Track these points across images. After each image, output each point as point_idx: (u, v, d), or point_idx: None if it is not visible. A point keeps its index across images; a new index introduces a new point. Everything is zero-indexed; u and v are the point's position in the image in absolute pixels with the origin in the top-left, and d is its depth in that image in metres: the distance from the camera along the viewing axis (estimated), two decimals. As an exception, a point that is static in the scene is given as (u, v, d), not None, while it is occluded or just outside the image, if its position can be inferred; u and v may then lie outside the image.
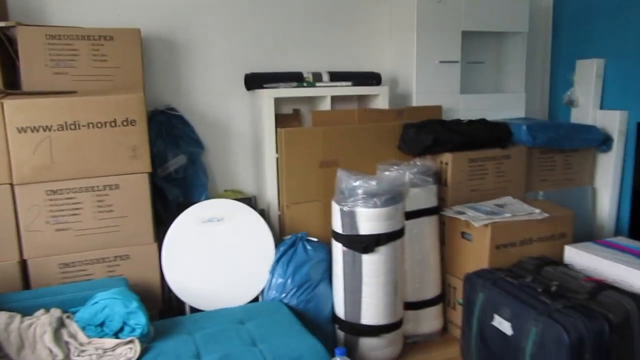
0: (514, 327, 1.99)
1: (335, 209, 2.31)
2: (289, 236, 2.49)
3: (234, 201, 2.48)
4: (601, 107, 3.15)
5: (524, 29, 3.24)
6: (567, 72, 3.35)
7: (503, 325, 2.04)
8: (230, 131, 2.93)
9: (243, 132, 2.95)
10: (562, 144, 2.90)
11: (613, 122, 3.02)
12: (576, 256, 2.45)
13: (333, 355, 1.90)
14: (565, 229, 2.54)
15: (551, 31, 3.50)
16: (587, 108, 3.17)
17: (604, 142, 3.02)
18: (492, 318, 2.10)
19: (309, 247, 2.43)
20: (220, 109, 2.89)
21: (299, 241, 2.45)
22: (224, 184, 2.95)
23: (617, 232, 3.09)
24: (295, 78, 2.80)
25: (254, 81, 2.79)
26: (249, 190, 2.98)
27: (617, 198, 3.07)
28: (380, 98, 2.94)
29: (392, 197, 2.25)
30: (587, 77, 3.17)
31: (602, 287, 2.04)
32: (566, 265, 2.38)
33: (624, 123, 3.00)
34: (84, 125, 2.11)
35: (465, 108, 3.12)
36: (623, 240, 2.58)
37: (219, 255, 2.38)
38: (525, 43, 3.30)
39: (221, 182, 2.94)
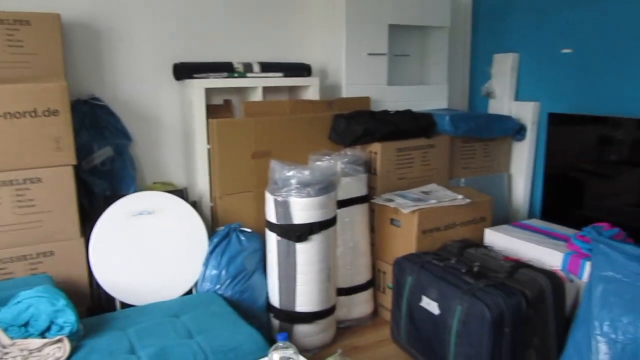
0: (440, 307, 2.11)
1: (269, 199, 2.33)
2: (222, 227, 2.48)
3: (164, 193, 2.44)
4: (516, 99, 3.36)
5: (446, 24, 3.38)
6: (485, 65, 3.54)
7: (431, 305, 2.16)
8: (160, 122, 2.86)
9: (173, 123, 2.89)
10: (482, 133, 3.07)
11: (527, 112, 3.23)
12: (495, 238, 2.62)
13: (270, 343, 1.92)
14: (485, 213, 2.71)
15: (471, 26, 3.68)
16: (504, 99, 3.38)
17: (519, 131, 3.23)
18: (420, 299, 2.22)
19: (242, 238, 2.43)
20: (148, 99, 2.82)
21: (232, 232, 2.44)
22: (153, 176, 2.88)
23: (531, 214, 3.32)
24: (226, 68, 2.77)
25: (183, 71, 2.74)
26: (179, 182, 2.93)
27: (530, 183, 3.30)
28: (311, 89, 2.97)
29: (324, 186, 2.30)
30: (503, 70, 3.38)
31: (518, 265, 2.21)
32: (486, 247, 2.54)
33: (537, 113, 3.23)
34: (0, 116, 1.99)
35: (392, 99, 3.23)
36: (536, 222, 2.79)
37: (150, 249, 2.33)
38: (447, 37, 3.46)
39: (150, 175, 2.87)
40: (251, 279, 2.39)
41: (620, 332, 1.90)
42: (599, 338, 1.95)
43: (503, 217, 3.27)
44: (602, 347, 1.94)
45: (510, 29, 3.37)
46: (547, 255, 2.36)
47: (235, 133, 2.60)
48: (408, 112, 2.96)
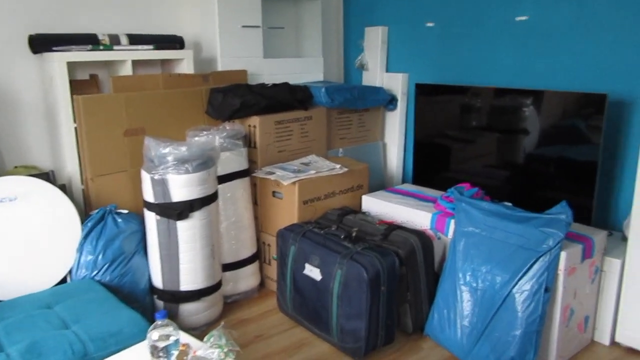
0: (322, 272, 2.20)
1: (146, 177, 2.25)
2: (96, 210, 2.35)
3: (27, 177, 2.25)
4: (387, 70, 3.53)
5: (318, -4, 3.44)
6: (358, 38, 3.66)
7: (313, 272, 2.24)
8: (17, 101, 2.62)
9: (32, 101, 2.66)
10: (356, 104, 3.20)
11: (397, 83, 3.42)
12: (372, 204, 2.77)
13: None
14: (362, 181, 2.85)
15: (342, 0, 3.77)
16: (376, 71, 3.53)
17: (390, 101, 3.41)
18: (303, 267, 2.29)
19: (119, 220, 2.33)
20: (1, 75, 2.55)
21: (107, 214, 2.33)
22: (14, 160, 2.64)
23: (405, 180, 3.55)
24: (90, 40, 2.59)
25: (41, 43, 2.52)
26: (45, 165, 2.72)
27: (403, 151, 3.52)
28: (184, 62, 2.88)
29: (203, 162, 2.27)
30: (374, 43, 3.52)
31: (392, 228, 2.36)
32: (364, 213, 2.68)
33: (406, 84, 3.42)
34: None
35: (269, 72, 3.24)
36: (408, 187, 2.99)
37: (15, 239, 2.16)
38: (320, 9, 3.51)
39: (10, 158, 2.63)
40: (131, 262, 2.31)
41: (480, 280, 2.12)
42: (463, 287, 2.17)
43: (380, 183, 3.46)
44: (466, 295, 2.16)
45: (380, 2, 3.51)
46: (418, 216, 2.55)
47: (104, 110, 2.46)
48: (285, 85, 2.99)
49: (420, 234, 2.31)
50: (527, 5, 2.74)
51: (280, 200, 2.62)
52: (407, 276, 2.22)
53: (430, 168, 3.13)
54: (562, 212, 1.99)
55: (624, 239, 2.32)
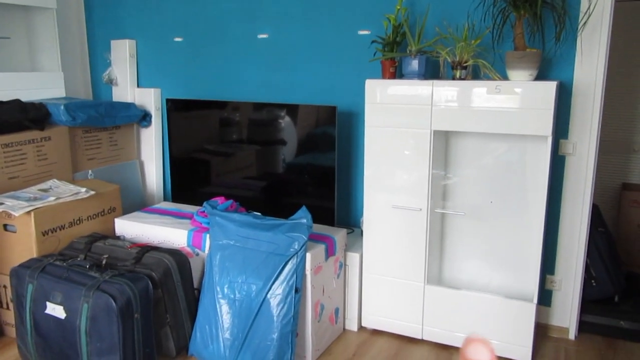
0: (66, 309, 1.99)
1: None
2: None
3: None
4: (138, 85, 3.39)
5: (51, 5, 3.12)
6: (104, 51, 3.44)
7: (56, 310, 2.01)
8: None
9: None
10: (104, 122, 2.99)
11: (149, 99, 3.30)
12: (127, 226, 2.62)
13: None
14: (114, 204, 2.67)
15: (84, 10, 3.50)
16: (126, 86, 3.36)
17: (144, 117, 3.28)
18: (44, 307, 2.04)
19: None
20: None
21: None
22: None
23: (166, 198, 3.44)
24: None
25: None
26: None
27: (162, 168, 3.41)
28: None
29: None
30: (122, 56, 3.35)
31: (145, 250, 2.25)
32: (118, 237, 2.51)
33: (159, 99, 3.33)
34: None
35: (-6, 88, 2.83)
36: (166, 205, 2.91)
37: None
38: (55, 19, 3.20)
39: None
40: None
41: (237, 291, 2.16)
42: (222, 301, 2.18)
43: (139, 204, 3.29)
44: (225, 308, 2.17)
45: (126, 14, 3.35)
46: (175, 235, 2.49)
47: None
48: (16, 102, 2.64)
49: (175, 253, 2.25)
50: (266, 24, 2.91)
51: (13, 234, 2.30)
52: (164, 298, 2.14)
53: (189, 184, 3.09)
54: (303, 216, 2.15)
55: (362, 234, 2.61)
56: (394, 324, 2.47)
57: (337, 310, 2.47)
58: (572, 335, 2.49)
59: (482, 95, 2.13)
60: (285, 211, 2.71)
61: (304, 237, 2.12)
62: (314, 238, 2.31)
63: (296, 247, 2.12)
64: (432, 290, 2.36)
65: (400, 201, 2.35)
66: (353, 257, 2.49)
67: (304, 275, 2.16)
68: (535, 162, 2.31)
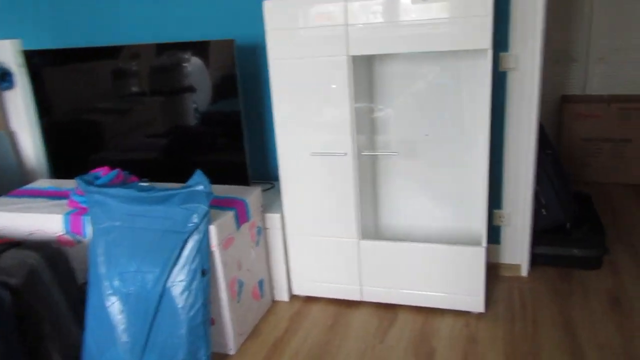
0: None
1: None
2: None
3: None
4: (-10, 38, 2.74)
5: None
6: (-60, -1, 2.74)
7: None
8: None
9: None
10: (-54, 88, 2.37)
11: (5, 53, 2.66)
12: (-11, 218, 2.09)
13: None
14: (-31, 190, 2.12)
15: None
16: (-25, 41, 2.71)
17: (2, 77, 2.66)
18: None
19: None
20: None
21: None
22: None
23: (50, 175, 2.89)
24: None
25: None
26: None
27: (40, 138, 2.83)
28: None
29: None
30: (-37, 4, 2.67)
31: (3, 248, 1.76)
32: (-24, 233, 1.99)
33: (20, 53, 2.70)
34: None
35: None
36: (41, 183, 2.38)
37: None
38: None
39: None
40: None
41: (130, 284, 1.74)
42: (112, 297, 1.75)
43: (16, 185, 2.73)
44: (117, 306, 1.75)
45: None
46: (48, 221, 1.99)
47: None
48: None
49: (42, 248, 1.77)
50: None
51: None
52: (33, 308, 1.69)
53: (75, 154, 2.56)
54: (199, 182, 1.71)
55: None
56: (329, 288, 2.14)
57: (261, 283, 2.10)
58: (524, 271, 2.25)
59: (406, 6, 1.71)
60: (191, 173, 2.25)
61: (203, 206, 1.70)
62: (219, 204, 1.89)
63: (195, 220, 1.70)
64: (367, 245, 2.02)
65: (320, 146, 1.95)
66: (273, 219, 2.09)
67: (210, 253, 1.75)
68: (473, 84, 1.96)
